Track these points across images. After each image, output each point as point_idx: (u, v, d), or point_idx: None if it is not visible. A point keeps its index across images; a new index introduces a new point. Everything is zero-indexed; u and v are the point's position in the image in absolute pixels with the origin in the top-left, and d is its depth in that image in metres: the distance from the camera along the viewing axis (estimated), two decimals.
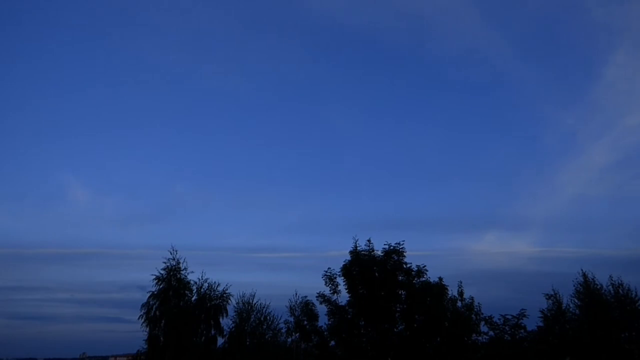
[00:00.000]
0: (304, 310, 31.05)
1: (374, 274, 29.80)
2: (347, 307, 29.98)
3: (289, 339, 32.66)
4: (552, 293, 30.66)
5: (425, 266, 30.12)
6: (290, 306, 31.82)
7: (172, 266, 31.96)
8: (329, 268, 31.01)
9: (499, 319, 28.87)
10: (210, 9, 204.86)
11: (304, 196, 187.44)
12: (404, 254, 30.34)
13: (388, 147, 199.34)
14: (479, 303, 30.28)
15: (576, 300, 30.29)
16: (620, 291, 29.44)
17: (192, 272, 32.36)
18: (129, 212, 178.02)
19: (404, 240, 30.68)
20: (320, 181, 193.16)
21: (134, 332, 31.27)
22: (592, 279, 30.29)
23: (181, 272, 32.03)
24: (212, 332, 31.70)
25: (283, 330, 32.66)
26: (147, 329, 30.63)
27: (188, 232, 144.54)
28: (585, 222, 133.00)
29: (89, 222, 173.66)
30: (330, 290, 30.55)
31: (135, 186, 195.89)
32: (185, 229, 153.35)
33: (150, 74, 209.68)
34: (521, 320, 28.53)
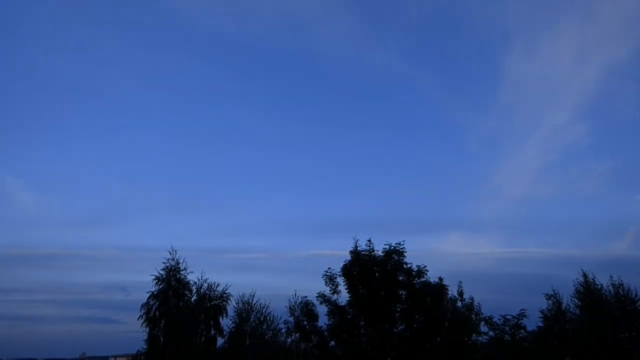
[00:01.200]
0: (303, 310, 31.02)
1: (374, 274, 29.78)
2: (347, 307, 29.96)
3: (289, 339, 32.71)
4: (552, 293, 30.68)
5: (425, 266, 30.14)
6: (290, 306, 31.81)
7: (171, 266, 32.00)
8: (329, 268, 31.04)
9: (499, 319, 28.84)
10: None
11: (254, 197, 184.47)
12: (404, 254, 30.34)
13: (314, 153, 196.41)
14: (479, 303, 30.33)
15: (576, 301, 30.31)
16: (621, 291, 29.47)
17: (192, 272, 32.43)
18: (85, 214, 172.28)
19: (404, 240, 30.72)
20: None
21: (134, 332, 31.32)
22: (592, 279, 30.32)
23: (181, 272, 32.07)
24: (212, 332, 31.76)
25: (283, 331, 32.71)
26: (147, 329, 30.65)
27: (142, 234, 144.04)
28: (539, 223, 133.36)
29: (36, 224, 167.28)
30: (330, 290, 30.54)
31: (84, 188, 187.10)
32: (140, 230, 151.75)
33: None
34: (521, 321, 28.49)
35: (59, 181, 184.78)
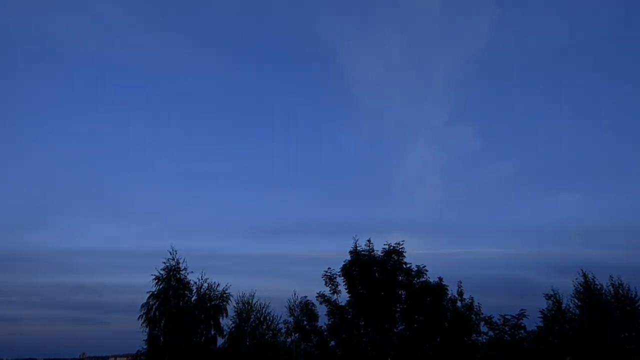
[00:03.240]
0: (303, 310, 31.05)
1: (374, 274, 29.81)
2: (347, 307, 29.99)
3: (289, 339, 32.70)
4: (552, 293, 30.69)
5: (425, 266, 30.19)
6: (290, 306, 31.84)
7: (171, 266, 31.99)
8: (329, 268, 31.07)
9: (499, 319, 28.84)
10: None
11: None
12: (404, 254, 30.38)
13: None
14: (478, 303, 30.33)
15: (576, 301, 30.31)
16: (620, 291, 29.46)
17: (192, 272, 32.43)
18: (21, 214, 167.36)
19: (403, 241, 30.76)
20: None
21: (134, 332, 31.29)
22: (592, 279, 30.31)
23: (181, 272, 32.06)
24: (212, 332, 31.73)
25: (283, 331, 32.70)
26: (147, 329, 30.65)
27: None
28: (455, 225, 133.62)
29: None
30: (330, 291, 30.57)
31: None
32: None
33: None
34: (521, 321, 28.50)
35: None
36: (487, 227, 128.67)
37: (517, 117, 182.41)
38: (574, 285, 30.73)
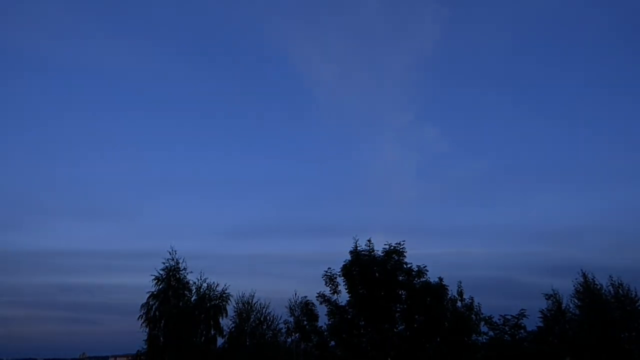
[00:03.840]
0: (303, 310, 31.03)
1: (374, 274, 29.78)
2: (347, 307, 29.96)
3: (289, 339, 32.72)
4: (552, 293, 30.71)
5: (425, 266, 30.13)
6: (290, 306, 31.84)
7: (171, 266, 31.94)
8: (329, 268, 31.04)
9: (499, 319, 28.89)
10: None
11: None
12: (404, 254, 30.35)
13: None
14: (478, 303, 30.36)
15: (576, 301, 30.35)
16: (620, 291, 29.50)
17: (192, 272, 32.40)
18: None
19: (404, 241, 30.71)
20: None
21: (134, 332, 31.25)
22: (592, 279, 30.34)
23: (180, 272, 32.02)
24: (212, 332, 31.68)
25: (283, 331, 32.72)
26: (147, 329, 30.61)
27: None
28: (433, 225, 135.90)
29: None
30: (330, 291, 30.54)
31: None
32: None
33: None
34: (521, 321, 28.53)
35: None
36: (466, 227, 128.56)
37: (478, 116, 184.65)
38: (574, 285, 30.81)
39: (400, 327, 29.36)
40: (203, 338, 31.30)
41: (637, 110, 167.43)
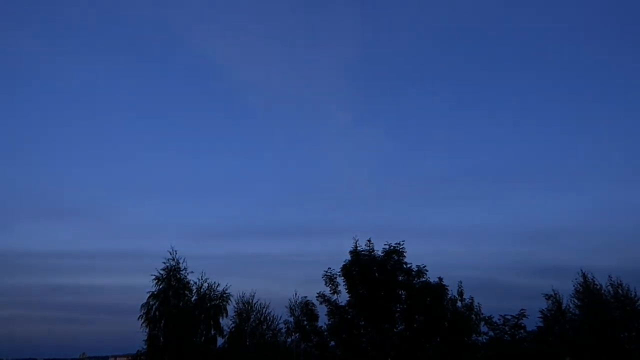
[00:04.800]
0: (303, 310, 31.04)
1: (374, 274, 29.78)
2: (347, 307, 29.96)
3: (289, 339, 32.74)
4: (552, 293, 30.72)
5: (425, 266, 30.12)
6: (290, 306, 31.86)
7: (171, 266, 31.98)
8: (329, 268, 31.04)
9: (499, 319, 28.91)
10: None
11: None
12: (404, 254, 30.35)
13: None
14: (478, 303, 30.37)
15: (576, 301, 30.36)
16: (620, 291, 29.51)
17: (192, 272, 32.43)
18: None
19: (403, 240, 30.71)
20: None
21: (134, 332, 31.28)
22: (592, 279, 30.35)
23: (181, 272, 32.05)
24: (212, 332, 31.72)
25: (283, 331, 32.75)
26: (147, 329, 30.64)
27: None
28: (395, 225, 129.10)
29: None
30: (330, 291, 30.53)
31: None
32: None
33: None
34: (521, 321, 28.54)
35: None
36: (435, 228, 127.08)
37: (419, 117, 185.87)
38: (574, 286, 30.81)
39: (400, 327, 29.35)
40: (203, 338, 31.33)
41: (611, 111, 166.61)
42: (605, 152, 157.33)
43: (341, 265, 30.67)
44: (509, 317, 28.45)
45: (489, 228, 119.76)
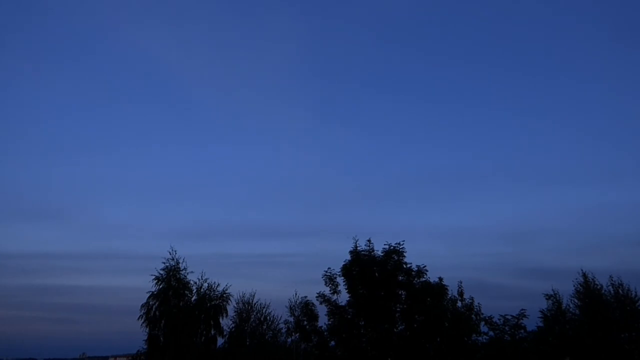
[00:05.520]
0: (303, 310, 31.07)
1: (374, 274, 29.82)
2: (347, 307, 29.99)
3: (289, 339, 32.72)
4: (552, 293, 30.68)
5: (425, 266, 30.21)
6: (290, 306, 31.85)
7: (171, 266, 31.95)
8: (329, 268, 31.09)
9: (499, 319, 28.93)
10: None
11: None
12: (404, 254, 30.39)
13: None
14: (479, 303, 30.35)
15: (576, 301, 30.29)
16: (620, 291, 29.44)
17: (192, 272, 32.41)
18: None
19: (404, 240, 30.76)
20: None
21: (134, 332, 31.28)
22: (592, 279, 30.31)
23: (181, 272, 32.02)
24: (212, 332, 31.68)
25: (283, 331, 32.73)
26: (147, 329, 30.63)
27: None
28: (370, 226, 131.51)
29: None
30: (330, 290, 30.58)
31: None
32: None
33: None
34: (521, 321, 28.57)
35: None
36: (414, 228, 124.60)
37: (374, 118, 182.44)
38: (574, 286, 30.76)
39: (400, 327, 29.39)
40: (203, 338, 31.30)
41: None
42: (588, 153, 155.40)
43: (341, 265, 30.75)
44: (509, 317, 28.54)
45: (470, 229, 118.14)
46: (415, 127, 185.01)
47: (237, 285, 48.94)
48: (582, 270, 30.82)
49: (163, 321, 30.58)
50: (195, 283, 32.26)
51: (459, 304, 30.34)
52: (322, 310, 30.53)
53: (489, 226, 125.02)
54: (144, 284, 32.15)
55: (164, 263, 31.93)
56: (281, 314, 32.95)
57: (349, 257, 30.87)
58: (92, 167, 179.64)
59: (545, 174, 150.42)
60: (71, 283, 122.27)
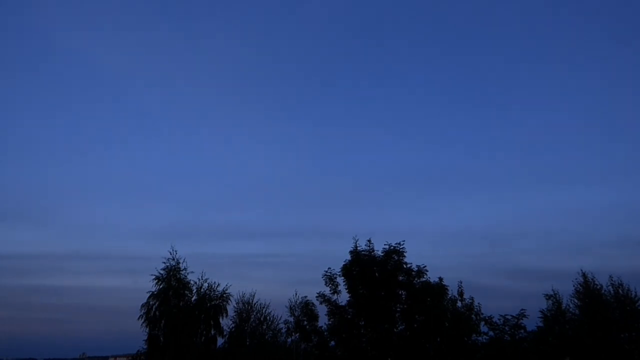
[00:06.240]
0: (303, 310, 31.06)
1: (374, 274, 29.81)
2: (347, 307, 29.99)
3: (289, 339, 32.72)
4: (552, 293, 30.70)
5: (425, 266, 30.20)
6: (290, 306, 31.85)
7: (171, 266, 31.97)
8: (329, 268, 31.07)
9: (499, 319, 28.92)
10: None
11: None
12: (404, 254, 30.38)
13: None
14: (479, 303, 30.36)
15: (576, 301, 30.31)
16: (620, 291, 29.45)
17: (192, 272, 32.42)
18: None
19: (404, 240, 30.76)
20: None
21: (134, 332, 31.29)
22: (592, 279, 30.32)
23: (181, 272, 32.04)
24: (212, 332, 31.71)
25: (283, 331, 32.74)
26: (147, 329, 30.63)
27: None
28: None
29: None
30: (330, 290, 30.57)
31: None
32: None
33: None
34: (521, 321, 28.56)
35: None
36: (391, 228, 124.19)
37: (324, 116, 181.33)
38: (574, 286, 30.78)
39: (400, 327, 29.38)
40: (203, 338, 31.32)
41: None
42: (588, 153, 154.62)
43: (341, 265, 30.75)
44: (509, 317, 28.52)
45: (446, 230, 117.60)
46: (414, 124, 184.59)
47: (236, 285, 49.07)
48: (581, 270, 30.88)
49: (163, 321, 30.60)
50: (195, 283, 32.34)
51: (459, 304, 30.36)
52: (322, 310, 30.57)
53: (472, 226, 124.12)
54: (145, 284, 32.21)
55: (164, 263, 31.99)
56: (281, 314, 33.01)
57: (349, 257, 30.88)
58: (67, 167, 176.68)
59: (541, 175, 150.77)
60: (62, 284, 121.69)
